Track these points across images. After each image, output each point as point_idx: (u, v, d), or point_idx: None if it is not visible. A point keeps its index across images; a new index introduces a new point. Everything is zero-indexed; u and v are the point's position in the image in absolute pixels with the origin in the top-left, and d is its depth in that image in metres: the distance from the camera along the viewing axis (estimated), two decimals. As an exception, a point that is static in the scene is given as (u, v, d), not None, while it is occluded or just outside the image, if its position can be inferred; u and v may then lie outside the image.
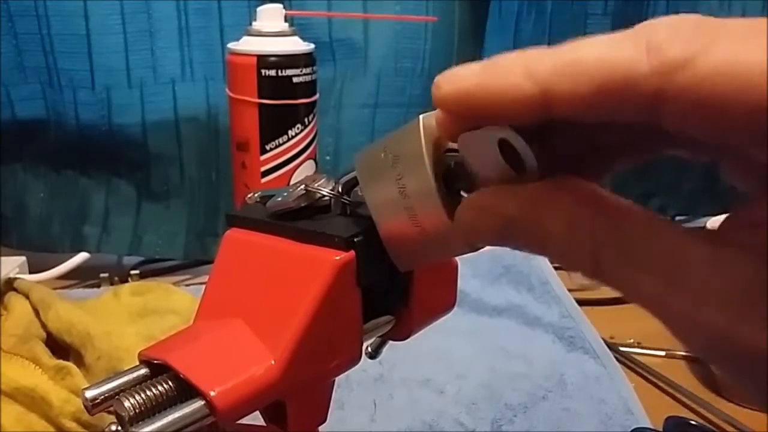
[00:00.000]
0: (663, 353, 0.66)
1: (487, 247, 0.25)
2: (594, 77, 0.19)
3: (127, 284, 0.66)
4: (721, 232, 0.20)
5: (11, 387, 0.46)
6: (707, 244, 0.19)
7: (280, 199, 0.29)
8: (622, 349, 0.66)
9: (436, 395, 0.57)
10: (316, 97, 0.68)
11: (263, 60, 0.64)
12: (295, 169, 0.69)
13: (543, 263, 0.77)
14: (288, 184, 0.68)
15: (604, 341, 0.65)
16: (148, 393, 0.26)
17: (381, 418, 0.54)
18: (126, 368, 0.28)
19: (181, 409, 0.25)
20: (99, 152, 0.80)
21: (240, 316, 0.28)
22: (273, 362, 0.26)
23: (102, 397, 0.27)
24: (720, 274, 0.19)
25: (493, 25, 0.86)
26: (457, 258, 0.32)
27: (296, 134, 0.67)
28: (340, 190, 0.29)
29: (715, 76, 0.17)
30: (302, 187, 0.29)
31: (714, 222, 0.68)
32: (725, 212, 0.21)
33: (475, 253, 0.25)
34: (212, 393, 0.25)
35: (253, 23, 0.66)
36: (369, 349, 0.33)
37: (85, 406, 0.27)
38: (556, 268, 0.77)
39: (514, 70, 0.21)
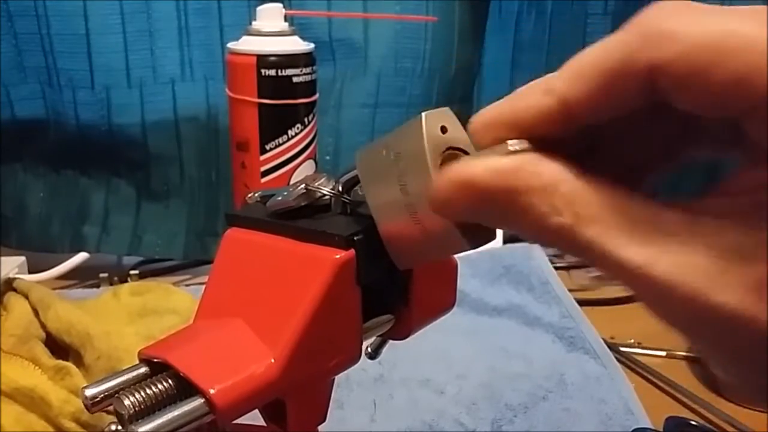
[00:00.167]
0: (663, 353, 0.66)
1: (488, 247, 0.25)
2: (596, 71, 0.21)
3: (126, 284, 0.66)
4: (701, 202, 0.20)
5: (11, 387, 0.46)
6: (686, 213, 0.19)
7: (280, 198, 0.29)
8: (622, 349, 0.66)
9: (436, 395, 0.57)
10: (316, 97, 0.68)
11: (263, 60, 0.64)
12: (295, 169, 0.69)
13: (543, 263, 0.77)
14: (288, 184, 0.68)
15: (605, 341, 0.65)
16: (148, 391, 0.26)
17: (381, 418, 0.54)
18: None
19: (180, 407, 0.25)
20: (99, 152, 0.80)
21: (240, 315, 0.28)
22: (273, 361, 0.26)
23: (102, 395, 0.27)
24: (699, 241, 0.19)
25: (493, 25, 0.86)
26: (456, 257, 0.32)
27: (296, 134, 0.67)
28: (340, 189, 0.29)
29: (700, 46, 0.19)
30: (302, 186, 0.29)
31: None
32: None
33: (475, 253, 0.25)
34: (212, 391, 0.25)
35: (253, 23, 0.66)
36: (369, 349, 0.33)
37: (84, 405, 0.27)
38: (556, 268, 0.77)
39: (534, 91, 0.23)
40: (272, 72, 0.64)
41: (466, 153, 0.25)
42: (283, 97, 0.65)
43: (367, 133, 0.83)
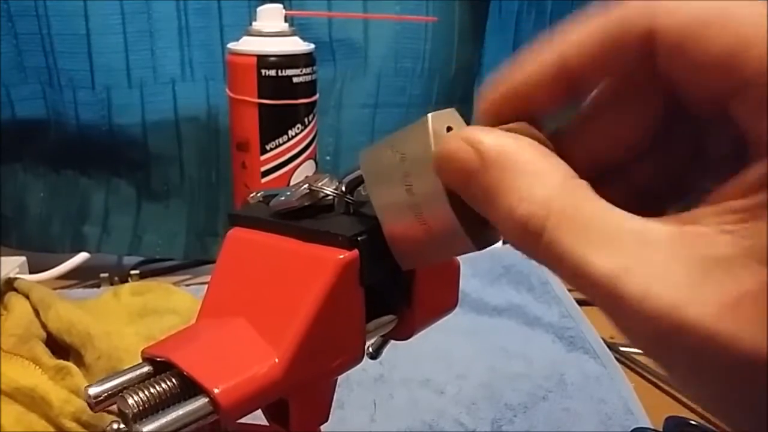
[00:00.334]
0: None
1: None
2: (596, 31, 0.22)
3: (127, 284, 0.66)
4: (693, 212, 0.19)
5: (11, 387, 0.46)
6: (671, 225, 0.19)
7: (283, 198, 0.29)
8: (622, 349, 0.66)
9: (436, 395, 0.57)
10: (316, 97, 0.68)
11: (263, 60, 0.64)
12: (295, 169, 0.69)
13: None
14: (288, 184, 0.68)
15: (604, 341, 0.65)
16: (152, 390, 0.26)
17: (381, 418, 0.54)
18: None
19: (184, 406, 0.25)
20: (99, 152, 0.80)
21: (243, 315, 0.28)
22: (276, 360, 0.26)
23: (105, 394, 0.27)
24: (680, 253, 0.18)
25: (493, 25, 0.86)
26: (459, 258, 0.32)
27: (296, 134, 0.67)
28: (343, 189, 0.29)
29: (698, 16, 0.19)
30: (305, 186, 0.29)
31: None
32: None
33: (475, 252, 0.25)
34: (216, 390, 0.25)
35: (253, 23, 0.66)
36: (370, 349, 0.33)
37: (88, 404, 0.27)
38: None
39: (535, 51, 0.23)
40: (272, 72, 0.64)
41: None
42: (283, 97, 0.65)
43: (367, 133, 0.83)
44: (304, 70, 0.66)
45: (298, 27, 0.69)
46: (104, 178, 0.82)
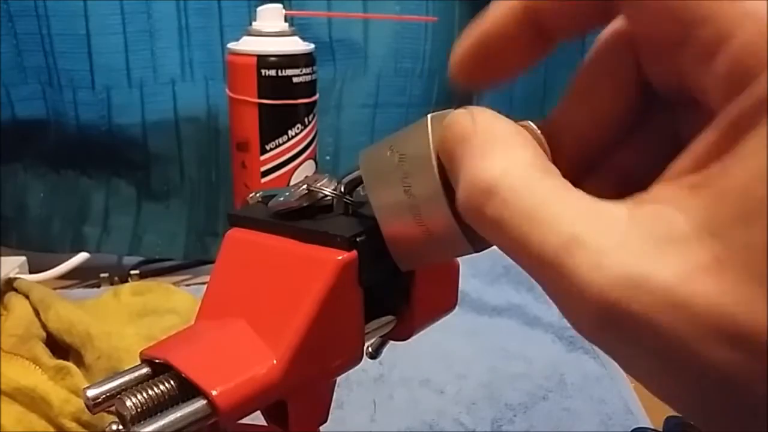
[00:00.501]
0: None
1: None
2: None
3: (127, 284, 0.66)
4: (646, 193, 0.19)
5: (11, 387, 0.46)
6: (626, 204, 0.18)
7: (282, 198, 0.29)
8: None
9: (436, 395, 0.57)
10: (316, 97, 0.68)
11: (263, 60, 0.64)
12: (295, 169, 0.69)
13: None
14: (288, 184, 0.68)
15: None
16: (150, 392, 0.26)
17: (381, 418, 0.54)
18: (127, 368, 0.28)
19: (182, 408, 0.25)
20: (99, 152, 0.80)
21: (242, 316, 0.28)
22: (275, 362, 0.26)
23: (103, 396, 0.27)
24: (632, 231, 0.17)
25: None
26: (458, 258, 0.32)
27: (296, 134, 0.67)
28: (342, 189, 0.29)
29: None
30: (304, 186, 0.29)
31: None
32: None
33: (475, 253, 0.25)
34: (214, 392, 0.25)
35: (253, 23, 0.66)
36: (370, 349, 0.33)
37: (86, 405, 0.27)
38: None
39: (498, 4, 0.23)
40: (272, 72, 0.64)
41: None
42: (283, 97, 0.65)
43: (367, 133, 0.83)
44: (304, 70, 0.66)
45: (298, 27, 0.69)
46: (104, 178, 0.82)
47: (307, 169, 0.69)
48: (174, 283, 0.68)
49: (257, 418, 0.29)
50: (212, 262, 0.31)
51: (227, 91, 0.68)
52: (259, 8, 0.66)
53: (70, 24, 0.73)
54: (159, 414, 0.25)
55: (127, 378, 0.27)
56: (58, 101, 0.77)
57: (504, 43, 0.23)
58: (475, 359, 0.62)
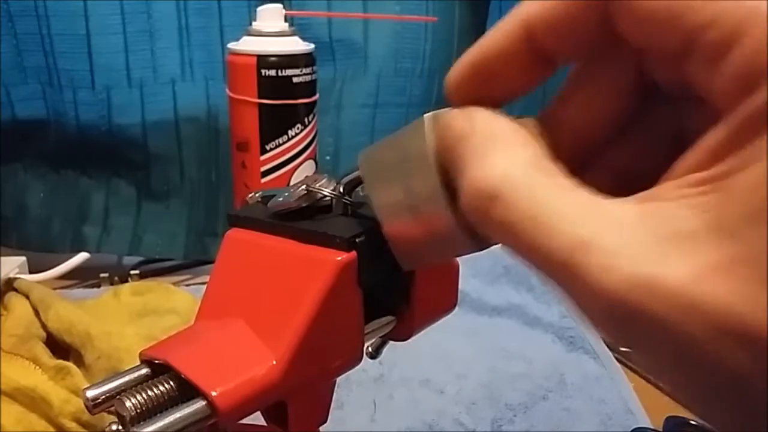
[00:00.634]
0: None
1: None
2: None
3: (127, 284, 0.66)
4: (653, 191, 0.19)
5: (11, 387, 0.46)
6: (633, 202, 0.18)
7: (281, 199, 0.29)
8: (622, 349, 0.66)
9: (436, 395, 0.57)
10: (316, 97, 0.68)
11: (263, 60, 0.64)
12: (295, 169, 0.69)
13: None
14: (288, 184, 0.68)
15: (604, 341, 0.65)
16: (150, 393, 0.26)
17: (381, 418, 0.54)
18: (127, 368, 0.28)
19: (182, 409, 0.25)
20: (99, 152, 0.80)
21: (241, 317, 0.28)
22: (274, 363, 0.26)
23: (103, 396, 0.27)
24: (640, 229, 0.17)
25: (493, 25, 0.86)
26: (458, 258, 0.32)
27: (296, 134, 0.67)
28: (341, 190, 0.29)
29: None
30: (304, 187, 0.29)
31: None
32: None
33: (475, 253, 0.25)
34: (214, 393, 0.25)
35: (253, 23, 0.66)
36: (369, 349, 0.33)
37: (86, 406, 0.27)
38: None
39: (498, 25, 0.23)
40: (272, 72, 0.64)
41: None
42: (283, 97, 0.65)
43: (367, 133, 0.83)
44: (304, 70, 0.66)
45: (298, 27, 0.69)
46: (104, 178, 0.82)
47: (307, 169, 0.69)
48: (174, 283, 0.68)
49: (257, 419, 0.29)
50: (212, 262, 0.31)
51: (227, 91, 0.68)
52: (259, 8, 0.66)
53: (70, 24, 0.73)
54: (159, 415, 0.25)
55: (126, 378, 0.27)
56: (58, 101, 0.77)
57: (503, 64, 0.23)
58: (475, 359, 0.62)
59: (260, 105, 0.65)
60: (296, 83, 0.65)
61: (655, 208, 0.17)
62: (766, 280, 0.15)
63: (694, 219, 0.17)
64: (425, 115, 0.24)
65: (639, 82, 0.23)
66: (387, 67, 0.81)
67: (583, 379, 0.59)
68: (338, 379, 0.31)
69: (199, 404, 0.25)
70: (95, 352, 0.50)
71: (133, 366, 0.28)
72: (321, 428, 0.31)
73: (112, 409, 0.27)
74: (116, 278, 0.78)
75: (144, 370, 0.28)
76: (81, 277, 0.80)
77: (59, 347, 0.51)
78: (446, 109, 0.25)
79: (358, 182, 0.28)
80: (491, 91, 0.23)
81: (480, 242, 0.24)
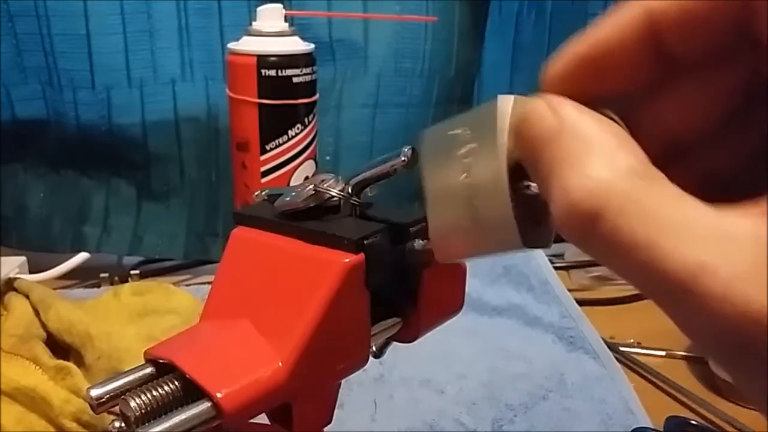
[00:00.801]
0: (663, 353, 0.66)
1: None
2: None
3: (127, 284, 0.66)
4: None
5: (11, 387, 0.46)
6: (753, 218, 0.17)
7: (288, 198, 0.29)
8: (622, 349, 0.66)
9: (437, 395, 0.57)
10: (316, 97, 0.68)
11: (263, 60, 0.64)
12: (295, 169, 0.68)
13: (543, 263, 0.77)
14: (288, 185, 0.68)
15: (604, 341, 0.65)
16: (154, 393, 0.26)
17: (381, 418, 0.54)
18: (127, 368, 0.28)
19: (187, 410, 0.25)
20: (99, 152, 0.80)
21: (247, 317, 0.28)
22: (280, 364, 0.26)
23: (107, 396, 0.27)
24: (761, 251, 0.16)
25: (493, 25, 0.86)
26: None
27: (296, 134, 0.67)
28: (349, 191, 0.29)
29: None
30: (311, 187, 0.29)
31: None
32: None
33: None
34: (219, 395, 0.25)
35: (253, 23, 0.66)
36: (374, 348, 0.33)
37: (90, 405, 0.27)
38: (556, 268, 0.77)
39: (616, 12, 0.21)
40: (272, 72, 0.64)
41: None
42: (283, 97, 0.65)
43: (367, 133, 0.83)
44: (304, 70, 0.66)
45: (298, 27, 0.69)
46: (104, 178, 0.82)
47: (307, 169, 0.69)
48: (174, 283, 0.68)
49: (261, 418, 0.29)
50: (212, 262, 0.31)
51: (227, 91, 0.67)
52: (259, 8, 0.66)
53: (70, 24, 0.73)
54: (163, 416, 0.25)
55: (130, 378, 0.27)
56: (58, 101, 0.76)
57: (617, 59, 0.21)
58: (476, 359, 0.62)
59: (260, 105, 0.65)
60: (296, 83, 0.65)
61: None
62: None
63: None
64: (499, 97, 0.22)
65: (752, 84, 0.21)
66: (387, 67, 0.81)
67: (584, 379, 0.59)
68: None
69: (205, 405, 0.25)
70: (95, 352, 0.50)
71: (137, 365, 0.28)
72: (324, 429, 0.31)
73: (115, 409, 0.27)
74: (116, 278, 0.78)
75: (148, 370, 0.28)
76: (81, 277, 0.80)
77: (59, 347, 0.51)
78: (521, 97, 0.23)
79: (366, 183, 0.28)
80: (596, 88, 0.21)
81: (530, 237, 0.23)
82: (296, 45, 0.66)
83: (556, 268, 0.76)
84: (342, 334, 0.28)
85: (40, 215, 0.82)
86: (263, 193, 0.32)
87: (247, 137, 0.67)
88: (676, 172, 0.19)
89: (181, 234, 0.83)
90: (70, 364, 0.48)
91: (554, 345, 0.64)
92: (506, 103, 0.22)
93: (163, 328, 0.55)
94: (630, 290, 0.71)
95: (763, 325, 0.15)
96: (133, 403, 0.26)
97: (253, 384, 0.25)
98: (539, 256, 0.77)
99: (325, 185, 0.29)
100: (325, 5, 0.78)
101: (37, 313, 0.52)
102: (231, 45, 0.66)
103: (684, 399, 0.59)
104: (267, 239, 0.29)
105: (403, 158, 0.27)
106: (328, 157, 0.83)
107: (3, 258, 0.73)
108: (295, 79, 0.65)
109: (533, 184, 0.22)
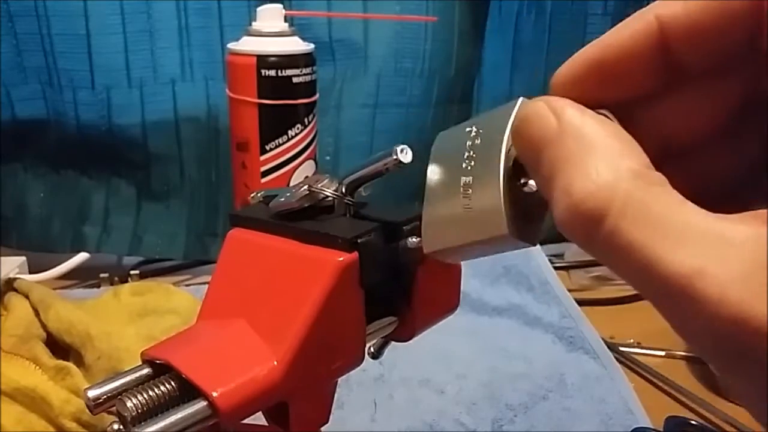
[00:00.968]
0: (663, 353, 0.66)
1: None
2: None
3: (127, 284, 0.66)
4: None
5: (11, 387, 0.46)
6: (752, 225, 0.17)
7: (283, 199, 0.29)
8: (622, 349, 0.66)
9: (437, 395, 0.57)
10: (316, 97, 0.68)
11: (263, 60, 0.64)
12: (295, 169, 0.69)
13: (543, 263, 0.77)
14: (288, 185, 0.68)
15: (604, 341, 0.65)
16: (151, 393, 0.26)
17: (381, 418, 0.54)
18: (127, 368, 0.28)
19: (183, 409, 0.25)
20: (99, 152, 0.80)
21: (243, 317, 0.28)
22: (276, 363, 0.26)
23: (104, 396, 0.27)
24: (759, 258, 0.16)
25: (493, 25, 0.86)
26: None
27: (296, 134, 0.67)
28: (343, 190, 0.29)
29: None
30: (306, 187, 0.29)
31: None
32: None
33: None
34: (215, 394, 0.25)
35: (253, 23, 0.66)
36: (371, 349, 0.33)
37: (87, 406, 0.27)
38: (556, 268, 0.77)
39: (628, 21, 0.21)
40: (272, 72, 0.64)
41: None
42: (283, 97, 0.65)
43: (367, 133, 0.83)
44: (304, 70, 0.66)
45: (298, 27, 0.69)
46: (104, 178, 0.82)
47: (307, 169, 0.69)
48: (174, 283, 0.68)
49: (258, 418, 0.29)
50: (212, 262, 0.31)
51: (227, 91, 0.68)
52: (259, 8, 0.66)
53: (70, 24, 0.73)
54: (160, 415, 0.25)
55: (128, 378, 0.27)
56: (58, 101, 0.77)
57: (627, 66, 0.21)
58: (475, 359, 0.62)
59: (260, 105, 0.65)
60: (296, 83, 0.65)
61: None
62: None
63: None
64: (519, 98, 0.23)
65: (752, 94, 0.21)
66: (387, 67, 0.81)
67: (583, 379, 0.59)
68: (339, 380, 0.31)
69: (200, 405, 0.25)
70: (95, 352, 0.50)
71: (134, 366, 0.28)
72: (322, 428, 0.31)
73: (113, 409, 0.27)
74: (116, 278, 0.78)
75: (145, 370, 0.28)
76: (81, 277, 0.80)
77: (59, 347, 0.51)
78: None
79: (360, 183, 0.28)
80: (605, 94, 0.21)
81: (522, 235, 0.23)
82: (296, 45, 0.66)
83: (556, 268, 0.76)
84: (337, 333, 0.28)
85: (40, 215, 0.82)
86: (259, 194, 0.32)
87: (247, 137, 0.67)
88: (672, 176, 0.19)
89: (181, 234, 0.83)
90: (70, 364, 0.48)
91: (554, 345, 0.64)
92: (522, 105, 0.23)
93: (162, 328, 0.55)
94: (630, 290, 0.71)
95: (759, 329, 0.15)
96: (129, 403, 0.26)
97: (249, 383, 0.25)
98: (539, 256, 0.77)
99: (320, 185, 0.29)
100: (325, 5, 0.78)
101: (37, 313, 0.52)
102: (231, 45, 0.67)
103: (684, 399, 0.59)
104: (262, 240, 0.29)
105: (395, 157, 0.27)
106: (328, 157, 0.83)
107: (3, 258, 0.73)
108: (295, 79, 0.65)
109: (531, 182, 0.22)
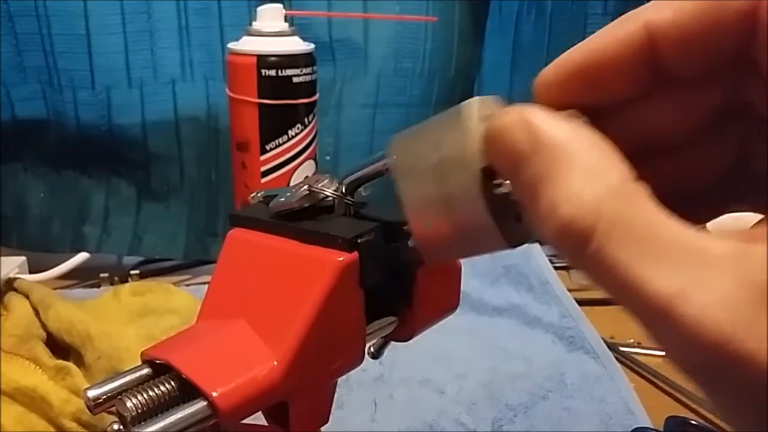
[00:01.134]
0: (663, 353, 0.66)
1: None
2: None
3: (127, 284, 0.66)
4: (753, 232, 0.17)
5: (11, 387, 0.46)
6: (732, 242, 0.17)
7: (283, 199, 0.29)
8: (622, 349, 0.66)
9: (437, 395, 0.57)
10: (316, 97, 0.68)
11: (263, 60, 0.64)
12: (295, 169, 0.69)
13: (543, 263, 0.77)
14: (288, 185, 0.68)
15: (604, 341, 0.65)
16: (151, 393, 0.26)
17: (381, 418, 0.54)
18: (127, 368, 0.28)
19: (183, 409, 0.25)
20: (99, 152, 0.80)
21: (243, 317, 0.28)
22: (275, 363, 0.26)
23: (104, 396, 0.27)
24: (737, 277, 0.16)
25: (493, 25, 0.86)
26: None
27: (296, 134, 0.67)
28: (343, 190, 0.29)
29: None
30: (305, 187, 0.29)
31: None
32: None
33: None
34: (214, 394, 0.25)
35: (253, 23, 0.66)
36: (372, 348, 0.33)
37: (87, 406, 0.27)
38: (556, 268, 0.77)
39: (614, 24, 0.21)
40: (272, 72, 0.64)
41: None
42: (283, 97, 0.65)
43: (367, 133, 0.83)
44: (304, 70, 0.66)
45: (298, 27, 0.69)
46: (104, 178, 0.82)
47: (307, 169, 0.69)
48: (174, 283, 0.68)
49: (258, 418, 0.29)
50: (212, 262, 0.31)
51: (227, 91, 0.68)
52: (259, 8, 0.66)
53: (70, 24, 0.73)
54: (159, 415, 0.25)
55: (128, 378, 0.27)
56: (58, 101, 0.77)
57: (612, 70, 0.21)
58: (475, 359, 0.62)
59: (260, 105, 0.65)
60: (296, 83, 0.65)
61: (756, 255, 0.16)
62: None
63: None
64: (467, 101, 0.22)
65: (731, 102, 0.21)
66: (387, 67, 0.81)
67: (583, 379, 0.59)
68: (339, 379, 0.31)
69: (200, 404, 0.25)
70: (95, 352, 0.50)
71: (134, 366, 0.28)
72: (322, 428, 0.31)
73: (113, 409, 0.27)
74: (116, 278, 0.78)
75: (145, 370, 0.28)
76: (81, 277, 0.80)
77: (59, 347, 0.51)
78: (488, 96, 0.23)
79: (360, 183, 0.28)
80: (587, 97, 0.21)
81: (513, 239, 0.23)
82: (296, 45, 0.66)
83: (556, 268, 0.76)
84: (337, 333, 0.28)
85: (40, 215, 0.82)
86: (259, 194, 0.32)
87: (247, 137, 0.67)
88: (648, 174, 0.19)
89: (181, 234, 0.83)
90: (70, 364, 0.48)
91: (554, 345, 0.64)
92: (475, 108, 0.22)
93: (163, 328, 0.55)
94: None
95: (736, 352, 0.15)
96: (129, 403, 0.26)
97: (249, 383, 0.25)
98: (539, 255, 0.77)
99: (320, 185, 0.29)
100: (325, 5, 0.78)
101: (37, 313, 0.52)
102: (231, 45, 0.67)
103: (684, 399, 0.59)
104: (262, 240, 0.29)
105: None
106: (328, 157, 0.83)
107: (3, 258, 0.73)
108: (295, 79, 0.65)
109: (506, 182, 0.22)
